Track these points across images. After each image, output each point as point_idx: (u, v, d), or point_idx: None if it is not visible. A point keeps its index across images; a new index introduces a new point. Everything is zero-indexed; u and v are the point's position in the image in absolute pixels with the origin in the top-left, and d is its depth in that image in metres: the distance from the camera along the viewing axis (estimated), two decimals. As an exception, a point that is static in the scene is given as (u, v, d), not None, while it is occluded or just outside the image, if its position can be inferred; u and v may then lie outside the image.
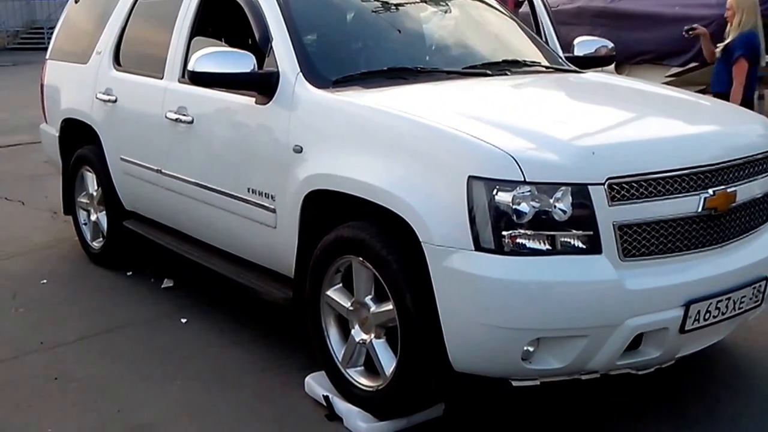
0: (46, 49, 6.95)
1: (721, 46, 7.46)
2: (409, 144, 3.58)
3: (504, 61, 4.75)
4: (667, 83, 9.07)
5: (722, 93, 7.06)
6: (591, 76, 4.92)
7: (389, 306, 3.59)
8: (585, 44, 5.32)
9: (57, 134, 6.50)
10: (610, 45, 5.37)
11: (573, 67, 5.07)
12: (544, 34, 5.56)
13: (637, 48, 10.05)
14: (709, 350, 3.88)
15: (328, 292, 3.93)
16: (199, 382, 4.30)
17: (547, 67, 4.91)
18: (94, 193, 6.16)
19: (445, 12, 5.12)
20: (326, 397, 3.94)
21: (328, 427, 3.83)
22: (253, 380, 4.30)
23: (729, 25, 7.43)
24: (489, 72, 4.53)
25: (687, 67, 9.84)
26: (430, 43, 4.91)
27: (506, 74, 4.57)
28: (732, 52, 7.25)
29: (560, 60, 5.16)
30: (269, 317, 5.03)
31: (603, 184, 3.22)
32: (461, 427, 3.82)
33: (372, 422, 3.74)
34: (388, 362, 3.70)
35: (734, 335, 4.38)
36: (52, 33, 7.08)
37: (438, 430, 3.79)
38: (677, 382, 4.13)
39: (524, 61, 4.87)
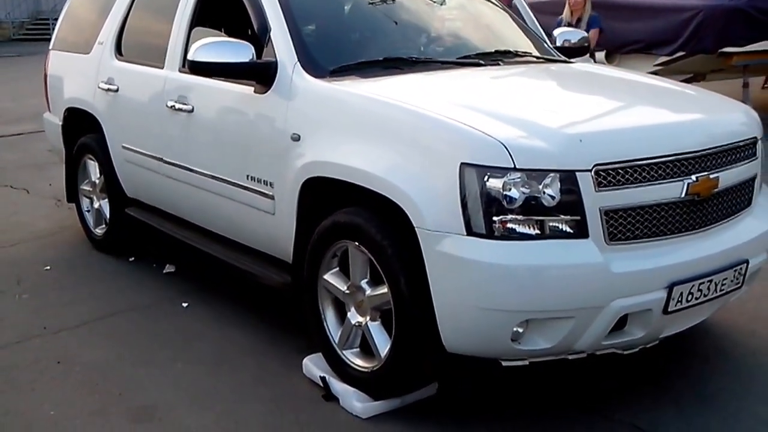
0: (51, 39, 6.99)
1: (583, 26, 8.54)
2: (404, 132, 3.63)
3: (496, 52, 4.80)
4: (655, 72, 9.24)
5: None
6: (579, 66, 4.99)
7: (384, 289, 3.65)
8: (564, 35, 5.45)
9: (60, 123, 6.55)
10: (579, 36, 5.52)
11: (563, 58, 5.14)
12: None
13: (627, 38, 10.17)
14: (692, 330, 3.94)
15: (325, 276, 3.98)
16: (199, 364, 4.36)
17: (537, 58, 4.98)
18: (97, 181, 6.22)
19: (440, 3, 5.16)
20: (323, 378, 4.00)
21: (325, 407, 3.89)
22: (253, 362, 4.36)
23: (570, 10, 8.93)
24: (482, 62, 4.58)
25: (674, 56, 9.96)
26: (424, 34, 4.94)
27: (498, 64, 4.63)
28: (593, 26, 8.74)
29: (550, 51, 5.23)
30: (268, 302, 5.06)
31: (590, 170, 3.29)
32: (454, 406, 3.88)
33: (367, 402, 3.81)
34: (383, 344, 3.76)
35: (717, 316, 4.44)
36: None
37: (431, 408, 3.84)
38: (661, 361, 4.20)
39: (516, 51, 4.93)
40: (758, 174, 4.01)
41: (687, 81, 9.79)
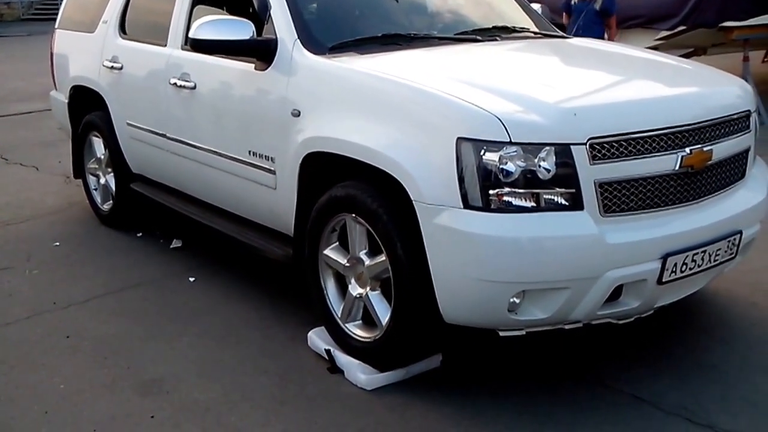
0: (58, 19, 7.04)
1: (598, 5, 8.89)
2: (401, 107, 3.66)
3: (494, 27, 4.83)
4: (656, 46, 9.23)
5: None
6: (576, 41, 5.00)
7: (382, 257, 3.71)
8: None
9: (66, 101, 6.61)
10: None
11: (561, 33, 5.13)
12: None
13: (628, 12, 10.11)
14: (692, 301, 3.98)
15: (326, 252, 4.04)
16: (206, 338, 4.41)
17: (535, 33, 4.99)
18: (103, 157, 6.28)
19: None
20: (328, 351, 4.06)
21: (330, 380, 3.94)
22: (259, 336, 4.41)
23: None
24: (479, 38, 4.60)
25: (675, 30, 9.94)
26: (423, 11, 4.97)
27: (496, 40, 4.65)
28: (609, 9, 9.08)
29: (548, 26, 5.22)
30: (274, 276, 5.11)
31: (584, 144, 3.33)
32: (457, 378, 3.93)
33: (372, 374, 3.86)
34: (383, 312, 3.82)
35: (715, 287, 4.52)
36: (64, 3, 7.17)
37: (435, 381, 3.89)
38: (661, 331, 4.24)
39: (514, 27, 4.94)
40: (752, 146, 4.04)
41: (688, 55, 9.80)
